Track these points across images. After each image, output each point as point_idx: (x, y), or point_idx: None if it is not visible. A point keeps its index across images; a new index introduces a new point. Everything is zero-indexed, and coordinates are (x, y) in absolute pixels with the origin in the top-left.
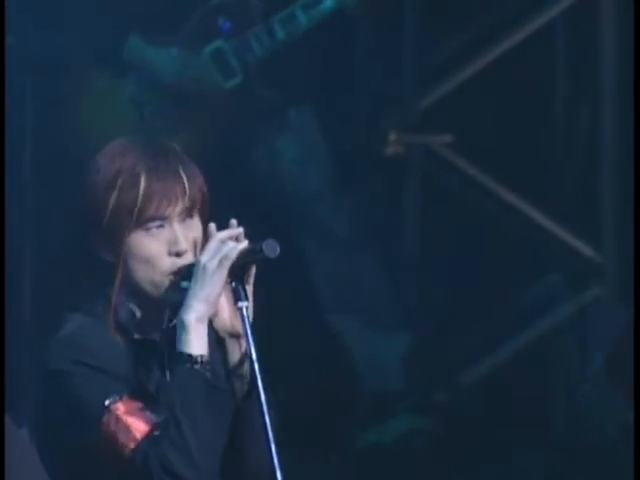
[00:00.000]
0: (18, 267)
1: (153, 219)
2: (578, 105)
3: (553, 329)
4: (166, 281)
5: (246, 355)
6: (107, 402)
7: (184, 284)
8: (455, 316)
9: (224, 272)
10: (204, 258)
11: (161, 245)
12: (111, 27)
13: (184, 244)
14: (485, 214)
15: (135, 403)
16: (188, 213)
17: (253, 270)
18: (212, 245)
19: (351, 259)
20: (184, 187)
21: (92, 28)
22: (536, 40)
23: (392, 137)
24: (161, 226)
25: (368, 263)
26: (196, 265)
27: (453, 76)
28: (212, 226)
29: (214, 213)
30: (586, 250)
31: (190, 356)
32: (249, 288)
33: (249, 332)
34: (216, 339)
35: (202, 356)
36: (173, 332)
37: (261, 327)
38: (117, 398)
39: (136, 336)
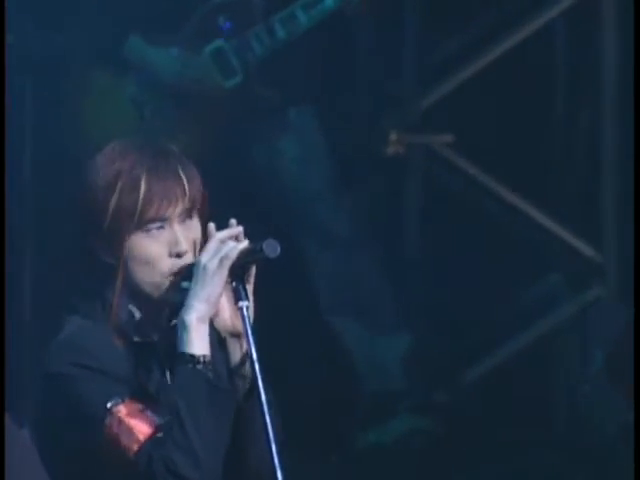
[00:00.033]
0: (18, 267)
1: (154, 220)
2: (578, 105)
3: (553, 329)
4: (167, 282)
5: (247, 355)
6: (109, 404)
7: (185, 284)
8: (455, 316)
9: (224, 272)
10: (204, 258)
11: (161, 246)
12: (111, 27)
13: (184, 245)
14: (486, 214)
15: (137, 405)
16: (188, 214)
17: (253, 270)
18: (212, 245)
19: (351, 259)
20: (184, 188)
21: (92, 28)
22: (536, 40)
23: (392, 137)
24: (161, 227)
25: (368, 263)
26: (196, 265)
27: (453, 76)
28: (212, 226)
29: (214, 213)
30: (587, 250)
31: (192, 356)
32: (249, 288)
33: (249, 332)
34: (217, 339)
35: (204, 356)
36: (172, 332)
37: (261, 327)
38: (119, 400)
39: (135, 339)
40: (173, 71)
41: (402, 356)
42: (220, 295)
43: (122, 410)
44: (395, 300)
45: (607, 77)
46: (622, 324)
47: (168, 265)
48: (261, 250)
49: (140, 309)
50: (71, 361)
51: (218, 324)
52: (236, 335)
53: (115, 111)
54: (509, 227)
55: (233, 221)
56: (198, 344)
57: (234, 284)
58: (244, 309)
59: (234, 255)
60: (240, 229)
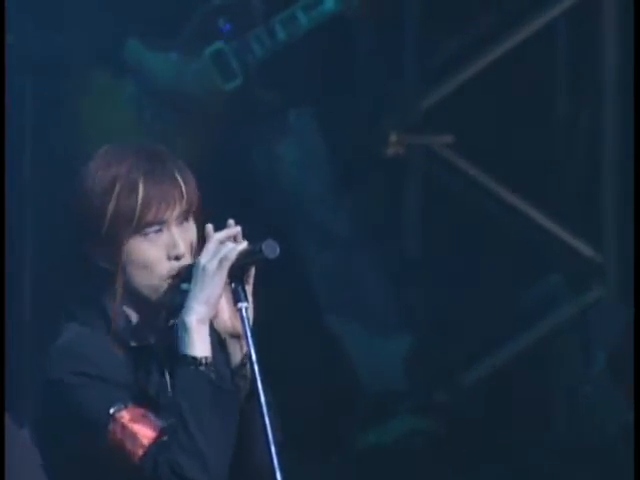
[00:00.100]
0: (18, 267)
1: (152, 224)
2: (579, 105)
3: (554, 330)
4: (165, 285)
5: (247, 356)
6: (111, 411)
7: (184, 286)
8: (456, 316)
9: (224, 273)
10: (203, 259)
11: (160, 250)
12: (111, 27)
13: (182, 247)
14: (486, 214)
15: (139, 410)
16: (185, 216)
17: (253, 271)
18: (211, 246)
19: (351, 259)
20: (181, 191)
21: (92, 29)
22: (537, 40)
23: (393, 138)
24: (159, 230)
25: (368, 263)
26: (195, 267)
27: (454, 77)
28: (210, 227)
29: (214, 215)
30: (587, 250)
31: (194, 358)
32: (249, 288)
33: (249, 333)
34: (217, 340)
35: (206, 358)
36: (169, 334)
37: (261, 328)
38: (121, 406)
39: (133, 344)
40: (169, 78)
41: (402, 357)
42: (220, 296)
43: (125, 416)
44: (395, 300)
45: (607, 77)
46: (623, 325)
47: (167, 268)
48: (260, 251)
49: (137, 313)
50: (71, 369)
51: (218, 325)
52: (236, 336)
53: (115, 112)
54: (509, 227)
55: (231, 221)
56: (199, 346)
57: (233, 285)
58: (243, 310)
59: (233, 256)
60: (238, 229)
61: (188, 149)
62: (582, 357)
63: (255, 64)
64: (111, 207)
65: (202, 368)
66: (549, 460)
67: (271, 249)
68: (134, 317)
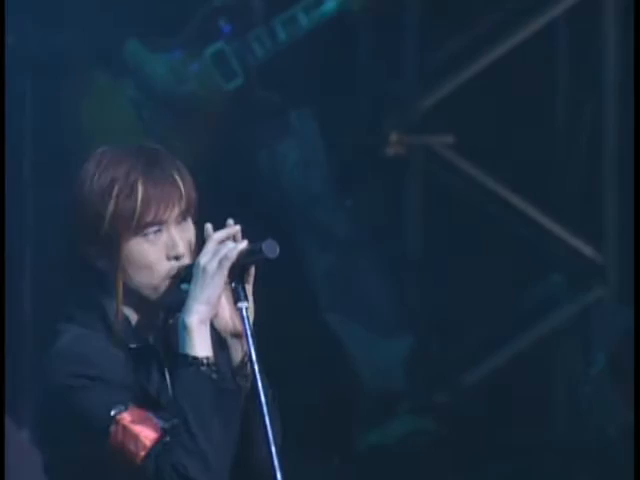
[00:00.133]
0: (18, 267)
1: (151, 224)
2: (580, 105)
3: (555, 330)
4: (165, 285)
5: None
6: (113, 412)
7: (184, 286)
8: (456, 317)
9: (224, 273)
10: (203, 260)
11: (160, 250)
12: (111, 28)
13: (182, 247)
14: (486, 215)
15: (140, 411)
16: (183, 216)
17: (253, 270)
18: (210, 246)
19: (352, 259)
20: (180, 191)
21: (92, 28)
22: (538, 40)
23: (393, 138)
24: (159, 231)
25: (369, 263)
26: (195, 267)
27: (454, 77)
28: (209, 226)
29: (215, 215)
30: (588, 251)
31: (195, 358)
32: (249, 288)
33: (249, 333)
34: (218, 340)
35: (207, 358)
36: (168, 333)
37: (262, 328)
38: (122, 408)
39: (132, 345)
40: (169, 79)
41: (403, 357)
42: (220, 296)
43: (126, 417)
44: (396, 301)
45: (608, 77)
46: (624, 326)
47: (166, 268)
48: (260, 251)
49: (136, 313)
50: (71, 372)
51: (219, 325)
52: (237, 335)
53: (114, 112)
54: (509, 227)
55: (230, 221)
56: (200, 346)
57: (233, 285)
58: (244, 310)
59: (233, 256)
60: (237, 228)
61: (188, 149)
62: (582, 357)
63: (256, 64)
64: (110, 208)
65: (203, 368)
66: (549, 460)
67: (271, 249)
68: (134, 318)
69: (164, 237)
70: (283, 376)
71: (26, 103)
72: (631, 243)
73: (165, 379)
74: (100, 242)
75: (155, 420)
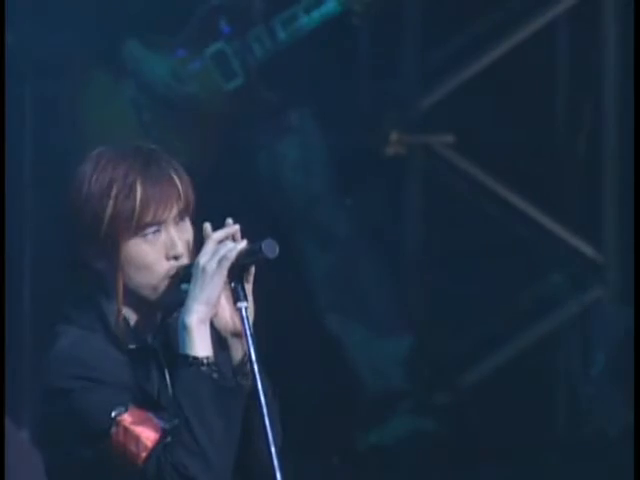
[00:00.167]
0: (18, 268)
1: (150, 225)
2: (580, 105)
3: (555, 329)
4: (164, 285)
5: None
6: (113, 414)
7: (184, 287)
8: (456, 316)
9: (223, 273)
10: (202, 260)
11: (159, 250)
12: (111, 28)
13: (181, 247)
14: (486, 214)
15: (141, 412)
16: (181, 216)
17: (252, 269)
18: (209, 246)
19: (351, 259)
20: (178, 190)
21: (92, 28)
22: (538, 40)
23: (393, 137)
24: (157, 231)
25: (368, 263)
26: (195, 267)
27: (454, 76)
28: (208, 226)
29: (215, 215)
30: (588, 250)
31: (195, 358)
32: (249, 287)
33: (248, 333)
34: (218, 339)
35: (207, 357)
36: (166, 332)
37: (262, 328)
38: (123, 409)
39: (132, 345)
40: (165, 84)
41: (402, 357)
42: (219, 296)
43: (127, 418)
44: (396, 301)
45: (608, 77)
46: (624, 326)
47: (165, 268)
48: (260, 250)
49: (135, 314)
50: (71, 374)
51: (219, 324)
52: (237, 335)
53: (114, 112)
54: (509, 227)
55: (229, 220)
56: (201, 346)
57: (233, 285)
58: (243, 310)
59: (233, 256)
60: (237, 228)
61: (188, 149)
62: (582, 357)
63: (256, 64)
64: (109, 210)
65: (204, 368)
66: (549, 460)
67: (271, 248)
68: (132, 318)
69: (163, 237)
70: (283, 376)
71: (26, 103)
72: (631, 243)
73: (165, 379)
74: (99, 243)
75: (156, 421)
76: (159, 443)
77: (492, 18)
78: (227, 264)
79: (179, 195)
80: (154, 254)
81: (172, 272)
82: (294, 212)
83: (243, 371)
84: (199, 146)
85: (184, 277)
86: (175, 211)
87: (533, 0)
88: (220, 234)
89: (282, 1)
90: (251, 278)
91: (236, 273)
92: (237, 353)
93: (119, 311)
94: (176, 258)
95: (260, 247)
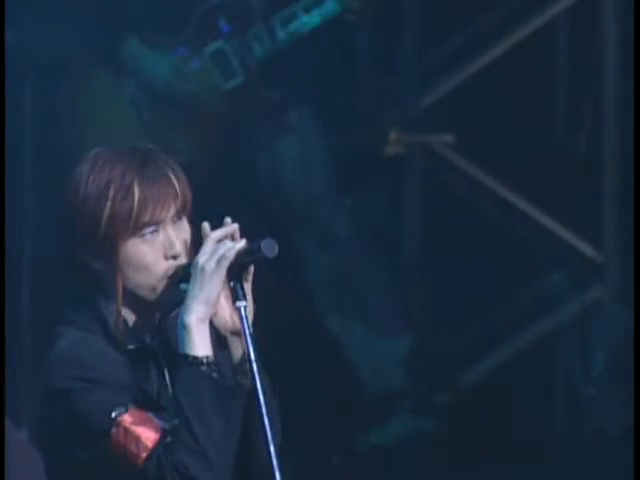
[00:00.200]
0: (18, 269)
1: (148, 225)
2: (580, 105)
3: (555, 329)
4: (162, 285)
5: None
6: (114, 414)
7: (183, 286)
8: (456, 316)
9: (223, 272)
10: (201, 259)
11: (157, 250)
12: (111, 27)
13: (179, 247)
14: (486, 214)
15: (141, 412)
16: (179, 215)
17: (251, 269)
18: (208, 245)
19: (351, 259)
20: (175, 190)
21: (92, 28)
22: (538, 39)
23: (393, 137)
24: (156, 231)
25: (368, 263)
26: (194, 266)
27: (453, 75)
28: (206, 225)
29: (214, 214)
30: (587, 250)
31: (195, 358)
32: (248, 286)
33: (247, 332)
34: (217, 338)
35: (207, 357)
36: (164, 332)
37: (261, 328)
38: (123, 410)
39: (131, 346)
40: (166, 81)
41: (402, 357)
42: (218, 295)
43: (127, 419)
44: (396, 301)
45: (608, 77)
46: (624, 326)
47: (164, 268)
48: (259, 250)
49: (134, 314)
50: (70, 375)
51: (218, 323)
52: (237, 334)
53: (114, 112)
54: (509, 227)
55: (228, 219)
56: (200, 345)
57: (232, 284)
58: (242, 309)
59: (232, 255)
60: (235, 227)
61: (187, 148)
62: (582, 357)
63: (255, 63)
64: (107, 211)
65: (203, 367)
66: (549, 460)
67: (270, 248)
68: (131, 319)
69: (161, 237)
70: (282, 376)
71: (25, 103)
72: (631, 243)
73: (164, 379)
74: (97, 244)
75: (156, 421)
76: (159, 443)
77: (491, 17)
78: (226, 263)
79: (176, 195)
80: (152, 254)
81: (170, 272)
82: (293, 212)
83: (243, 370)
84: (199, 145)
85: (183, 277)
86: (173, 211)
87: None
88: (219, 233)
89: (281, 0)
90: (250, 277)
91: (235, 272)
92: (237, 352)
93: (118, 312)
94: (174, 258)
95: (259, 246)
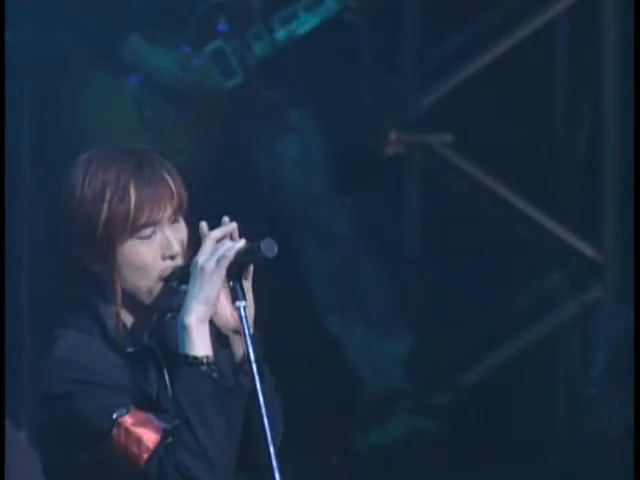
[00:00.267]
0: (17, 270)
1: (146, 226)
2: (580, 105)
3: (555, 329)
4: (160, 285)
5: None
6: (115, 415)
7: (183, 287)
8: (456, 316)
9: (222, 272)
10: (201, 259)
11: (155, 250)
12: (112, 26)
13: (177, 247)
14: (486, 214)
15: (142, 413)
16: (175, 216)
17: (251, 268)
18: (208, 245)
19: (351, 259)
20: (172, 190)
21: (92, 27)
22: (537, 39)
23: (392, 137)
24: (153, 232)
25: (368, 263)
26: (193, 266)
27: (453, 75)
28: (203, 225)
29: (214, 214)
30: (587, 250)
31: (195, 358)
32: (248, 284)
33: (247, 332)
34: (217, 337)
35: (207, 357)
36: (163, 332)
37: (261, 328)
38: (124, 411)
39: (130, 347)
40: (172, 74)
41: (402, 357)
42: (218, 295)
43: (128, 420)
44: (395, 301)
45: (608, 77)
46: (624, 326)
47: (162, 268)
48: (259, 249)
49: (132, 316)
50: (70, 378)
51: (220, 322)
52: (239, 332)
53: (115, 111)
54: (509, 227)
55: (226, 218)
56: (200, 345)
57: (231, 284)
58: (241, 309)
59: (231, 255)
60: (234, 226)
61: (188, 148)
62: (582, 357)
63: (255, 62)
64: (104, 213)
65: (203, 368)
66: (549, 460)
67: (269, 248)
68: (129, 320)
69: (158, 237)
70: (282, 376)
71: (25, 103)
72: (631, 243)
73: (164, 379)
74: (94, 247)
75: (157, 422)
76: (160, 444)
77: (491, 17)
78: (226, 263)
79: (172, 195)
80: (151, 254)
81: (168, 272)
82: (293, 211)
83: (245, 369)
84: (199, 145)
85: (182, 278)
86: (169, 211)
87: None
88: (218, 233)
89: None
90: (250, 276)
91: (235, 272)
92: (238, 351)
93: (118, 314)
94: (172, 258)
95: (259, 246)
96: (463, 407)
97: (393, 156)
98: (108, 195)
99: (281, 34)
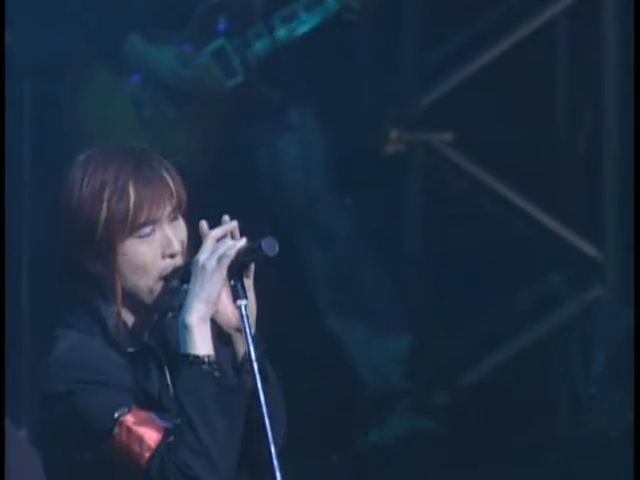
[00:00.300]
0: (17, 270)
1: (145, 225)
2: (580, 103)
3: (555, 329)
4: (160, 284)
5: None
6: (116, 414)
7: (185, 287)
8: (456, 316)
9: (223, 271)
10: (202, 257)
11: (155, 249)
12: (112, 25)
13: (177, 245)
14: (486, 213)
15: (143, 412)
16: (174, 214)
17: (252, 266)
18: (208, 244)
19: (351, 258)
20: (171, 189)
21: (94, 25)
22: (537, 38)
23: (393, 135)
24: (153, 230)
25: (368, 262)
26: (194, 265)
27: (454, 74)
28: (204, 224)
29: (215, 213)
30: (588, 250)
31: (197, 357)
32: (249, 283)
33: (248, 330)
34: (219, 335)
35: (209, 356)
36: (163, 331)
37: (261, 327)
38: (125, 410)
39: (131, 346)
40: (173, 71)
41: (402, 356)
42: (219, 294)
43: (130, 419)
44: (396, 300)
45: (608, 76)
46: (624, 325)
47: (162, 267)
48: (260, 248)
49: (133, 315)
50: (71, 378)
51: (221, 321)
52: (241, 330)
53: (115, 111)
54: (510, 226)
55: (226, 217)
56: (201, 344)
57: (232, 282)
58: (242, 308)
59: (232, 254)
60: (234, 224)
61: (188, 147)
62: (582, 357)
63: (256, 62)
64: (103, 213)
65: (205, 367)
66: (549, 460)
67: (270, 246)
68: (130, 319)
69: (158, 236)
70: (282, 376)
71: (25, 102)
72: (631, 243)
73: (165, 378)
74: (94, 246)
75: (158, 421)
76: (162, 443)
77: (491, 16)
78: (227, 262)
79: (171, 194)
80: (151, 253)
81: (168, 270)
82: (294, 210)
83: (247, 368)
84: (199, 144)
85: (183, 276)
86: (169, 210)
87: None
88: (218, 232)
89: None
90: (251, 275)
91: (236, 271)
92: (240, 349)
93: (118, 314)
94: (172, 256)
95: (260, 245)
96: (463, 407)
97: (393, 155)
98: (107, 194)
99: (282, 33)
